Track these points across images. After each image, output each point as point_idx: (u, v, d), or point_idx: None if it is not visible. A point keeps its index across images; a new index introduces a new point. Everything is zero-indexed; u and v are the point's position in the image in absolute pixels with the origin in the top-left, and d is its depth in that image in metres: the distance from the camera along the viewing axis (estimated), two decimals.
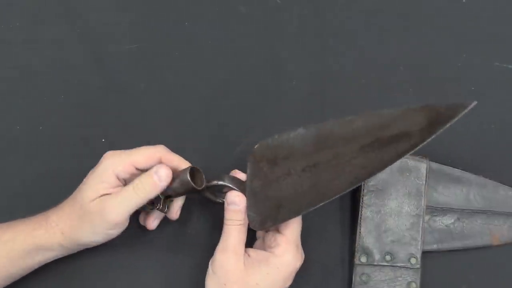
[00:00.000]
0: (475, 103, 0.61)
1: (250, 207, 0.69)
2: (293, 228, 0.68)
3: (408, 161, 0.74)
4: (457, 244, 0.74)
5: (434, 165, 0.75)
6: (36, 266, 0.71)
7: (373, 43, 0.82)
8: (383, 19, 0.83)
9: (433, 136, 0.62)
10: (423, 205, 0.74)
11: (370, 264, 0.73)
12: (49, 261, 0.71)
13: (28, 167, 0.79)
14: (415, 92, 0.80)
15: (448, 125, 0.61)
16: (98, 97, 0.81)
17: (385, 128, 0.65)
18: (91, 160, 0.77)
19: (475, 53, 0.82)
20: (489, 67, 0.81)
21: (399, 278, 0.73)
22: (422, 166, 0.74)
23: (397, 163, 0.73)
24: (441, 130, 0.62)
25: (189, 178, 0.68)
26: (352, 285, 0.73)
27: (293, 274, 0.68)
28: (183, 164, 0.70)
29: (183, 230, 0.76)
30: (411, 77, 0.81)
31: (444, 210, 0.75)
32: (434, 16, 0.83)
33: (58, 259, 0.71)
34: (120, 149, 0.74)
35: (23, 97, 0.81)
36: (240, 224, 0.68)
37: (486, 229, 0.75)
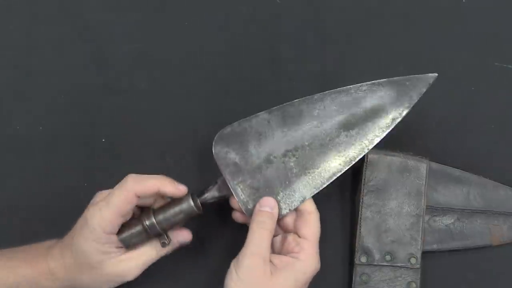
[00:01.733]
0: (436, 75, 0.68)
1: (245, 202, 0.69)
2: (315, 232, 0.68)
3: (408, 161, 0.74)
4: (457, 244, 0.74)
5: (434, 165, 0.75)
6: None
7: (373, 43, 0.82)
8: (383, 19, 0.83)
9: (409, 109, 0.68)
10: (423, 205, 0.74)
11: (370, 264, 0.73)
12: None
13: (28, 167, 0.79)
14: None
15: (418, 97, 0.68)
16: (98, 97, 0.81)
17: (357, 103, 0.69)
18: (91, 160, 0.78)
19: (475, 53, 0.82)
20: (489, 67, 0.81)
21: (399, 278, 0.73)
22: (422, 166, 0.74)
23: (397, 163, 0.73)
24: (415, 102, 0.68)
25: (192, 204, 0.67)
26: (352, 285, 0.73)
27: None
28: (157, 185, 0.67)
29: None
30: None
31: (444, 210, 0.75)
32: (434, 16, 0.83)
33: None
34: (120, 150, 0.74)
35: (23, 97, 0.81)
36: (270, 229, 0.67)
37: (486, 229, 0.75)
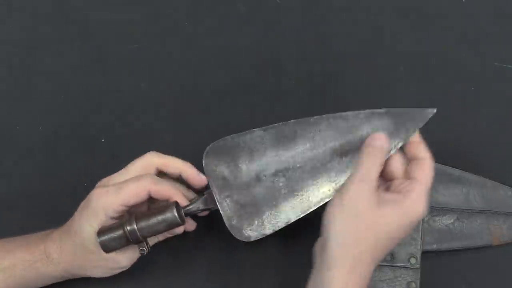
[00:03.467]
0: (434, 110, 0.66)
1: (229, 218, 0.68)
2: (429, 177, 0.65)
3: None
4: (456, 244, 0.74)
5: (434, 165, 0.75)
6: None
7: (373, 43, 0.82)
8: (383, 19, 0.83)
9: (404, 142, 0.66)
10: None
11: None
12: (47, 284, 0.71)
13: (28, 167, 0.79)
14: (415, 92, 0.81)
15: (414, 132, 0.66)
16: (98, 97, 0.81)
17: (353, 131, 0.67)
18: (91, 160, 0.78)
19: (475, 53, 0.82)
20: (489, 67, 0.81)
21: (399, 278, 0.73)
22: None
23: None
24: (411, 136, 0.66)
25: (176, 215, 0.65)
26: None
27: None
28: (171, 192, 0.67)
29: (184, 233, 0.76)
30: (411, 77, 0.81)
31: (444, 210, 0.75)
32: (434, 16, 0.83)
33: None
34: (120, 150, 0.74)
35: (23, 97, 0.81)
36: (380, 161, 0.64)
37: (485, 229, 0.74)
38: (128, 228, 0.65)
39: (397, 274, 0.73)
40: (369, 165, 0.64)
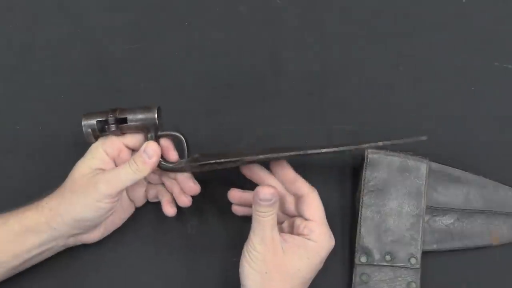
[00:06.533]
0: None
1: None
2: (319, 211, 0.69)
3: (408, 161, 0.74)
4: (457, 244, 0.74)
5: (434, 165, 0.75)
6: (27, 256, 0.70)
7: (373, 43, 0.82)
8: (383, 19, 0.83)
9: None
10: (423, 205, 0.74)
11: (370, 264, 0.73)
12: (41, 249, 0.70)
13: (28, 167, 0.79)
14: (415, 92, 0.81)
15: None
16: (98, 97, 0.81)
17: None
18: None
19: (475, 53, 0.82)
20: (489, 67, 0.81)
21: (399, 278, 0.73)
22: (422, 166, 0.74)
23: (397, 163, 0.73)
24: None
25: (155, 116, 0.69)
26: (352, 285, 0.73)
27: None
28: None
29: (183, 230, 0.76)
30: (411, 77, 0.81)
31: (444, 210, 0.75)
32: (434, 16, 0.83)
33: (55, 260, 0.72)
34: None
35: (23, 97, 0.81)
36: (274, 213, 0.67)
37: (486, 229, 0.75)
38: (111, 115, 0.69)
39: (397, 274, 0.73)
40: (266, 223, 0.66)
